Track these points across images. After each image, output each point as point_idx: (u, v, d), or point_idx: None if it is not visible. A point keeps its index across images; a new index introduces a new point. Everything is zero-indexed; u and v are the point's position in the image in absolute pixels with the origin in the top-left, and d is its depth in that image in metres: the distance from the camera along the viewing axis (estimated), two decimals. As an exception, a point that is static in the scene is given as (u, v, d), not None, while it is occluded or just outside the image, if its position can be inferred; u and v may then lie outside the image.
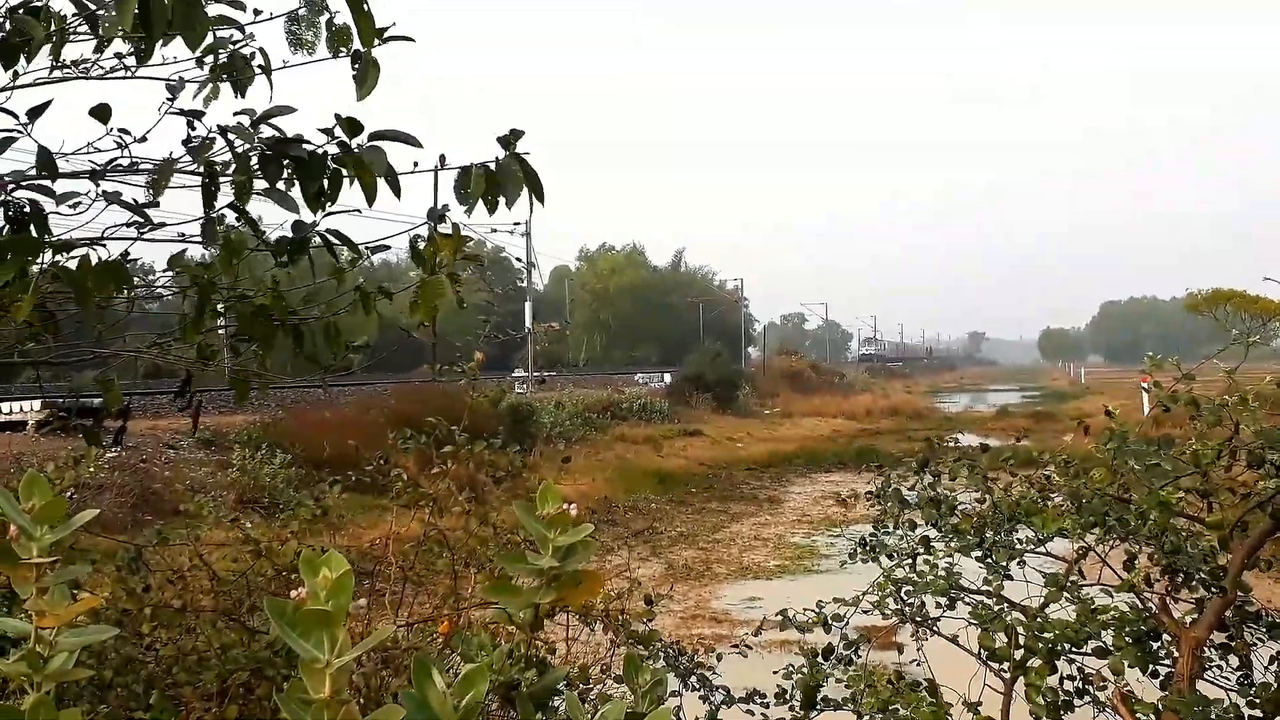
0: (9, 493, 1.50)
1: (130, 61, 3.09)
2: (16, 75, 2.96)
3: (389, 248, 3.70)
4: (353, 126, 3.05)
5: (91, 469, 5.75)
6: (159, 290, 4.03)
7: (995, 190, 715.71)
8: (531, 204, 3.30)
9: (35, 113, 3.05)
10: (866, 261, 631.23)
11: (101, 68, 3.10)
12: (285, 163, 3.04)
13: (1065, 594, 4.27)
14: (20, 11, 2.82)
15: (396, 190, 3.15)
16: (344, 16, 3.02)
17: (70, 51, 3.05)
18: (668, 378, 60.72)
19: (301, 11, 3.02)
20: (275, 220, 3.27)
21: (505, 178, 3.20)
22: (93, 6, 2.91)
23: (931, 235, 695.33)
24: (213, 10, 2.92)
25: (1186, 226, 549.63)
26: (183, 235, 3.36)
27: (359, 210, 3.33)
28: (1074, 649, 4.14)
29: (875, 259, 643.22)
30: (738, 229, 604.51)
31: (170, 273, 3.68)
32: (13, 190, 3.02)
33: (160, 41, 2.86)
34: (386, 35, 3.06)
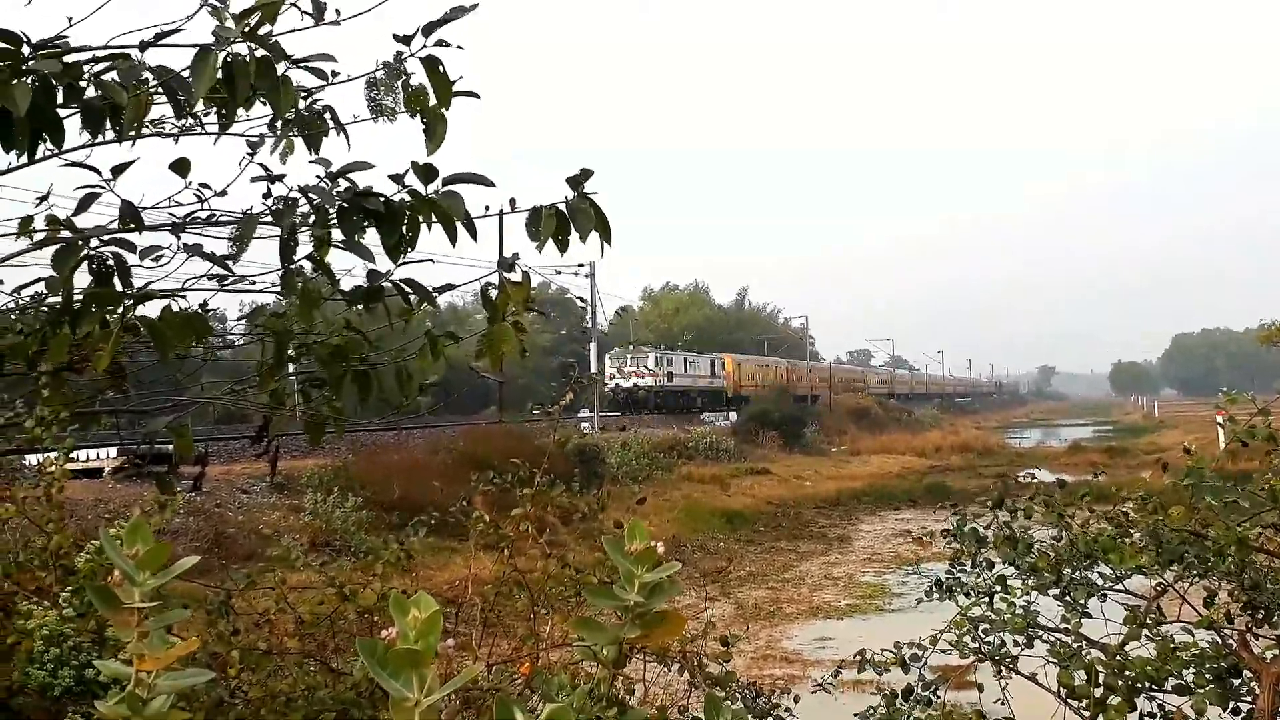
0: (114, 539, 1.55)
1: (206, 120, 3.17)
2: (99, 133, 3.05)
3: (455, 287, 3.76)
4: (428, 173, 3.12)
5: (167, 514, 5.86)
6: (232, 338, 4.12)
7: (1069, 207, 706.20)
8: (602, 246, 3.34)
9: (118, 170, 3.15)
10: (931, 293, 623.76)
11: (177, 126, 3.18)
12: (363, 215, 3.11)
13: (1145, 631, 4.21)
14: (106, 78, 2.91)
15: (473, 233, 3.21)
16: (419, 77, 3.09)
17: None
18: (734, 416, 60.42)
19: (379, 75, 3.09)
20: (345, 265, 3.35)
21: (576, 216, 3.24)
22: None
23: (1002, 262, 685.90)
24: (291, 75, 3.01)
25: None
26: (253, 282, 3.44)
27: (432, 259, 3.41)
28: (1154, 687, 4.08)
29: (939, 290, 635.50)
30: (807, 252, 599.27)
31: (244, 321, 3.77)
32: (97, 247, 3.11)
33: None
34: (455, 91, 3.13)
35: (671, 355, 67.23)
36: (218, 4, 2.90)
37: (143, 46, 2.93)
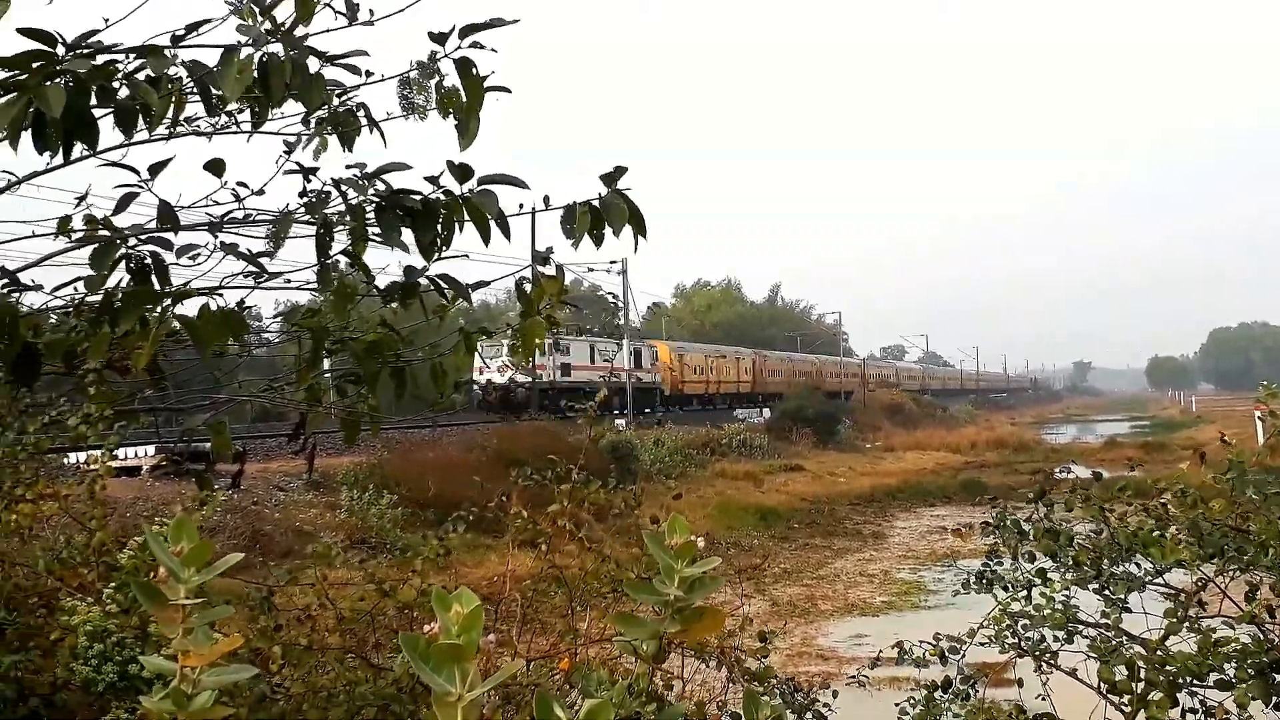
0: (159, 535, 1.56)
1: (240, 118, 3.19)
2: (132, 133, 3.07)
3: (488, 284, 3.78)
4: (463, 173, 3.12)
5: (206, 511, 5.91)
6: (268, 336, 4.14)
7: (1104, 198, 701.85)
8: (636, 240, 3.33)
9: (155, 169, 3.17)
10: (968, 289, 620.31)
11: (213, 125, 3.20)
12: (400, 213, 3.12)
13: (1185, 626, 4.17)
14: (138, 77, 2.93)
15: (506, 233, 3.21)
16: (453, 78, 3.10)
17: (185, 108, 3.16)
18: (767, 413, 60.28)
19: (413, 75, 3.10)
20: (381, 262, 3.36)
21: (610, 211, 3.24)
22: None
23: (1038, 258, 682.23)
24: (325, 73, 3.02)
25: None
26: (289, 279, 3.46)
27: (467, 255, 3.41)
28: (1195, 682, 4.04)
29: (965, 286, 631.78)
30: (839, 250, 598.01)
31: (281, 319, 3.79)
32: (134, 246, 3.13)
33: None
34: (486, 87, 3.13)
35: (569, 343, 51.05)
36: (239, 2, 2.92)
37: (175, 40, 2.94)
